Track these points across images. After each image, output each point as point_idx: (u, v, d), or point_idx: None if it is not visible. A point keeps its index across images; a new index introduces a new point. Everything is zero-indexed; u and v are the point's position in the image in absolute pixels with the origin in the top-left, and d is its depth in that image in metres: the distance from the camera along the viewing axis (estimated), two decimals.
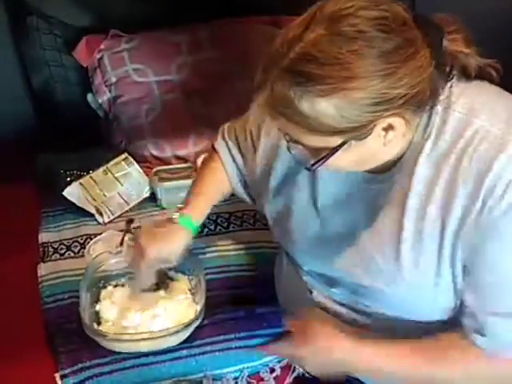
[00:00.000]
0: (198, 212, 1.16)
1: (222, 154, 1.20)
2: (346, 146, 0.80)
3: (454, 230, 0.83)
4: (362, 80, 0.73)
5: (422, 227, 0.86)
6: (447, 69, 0.83)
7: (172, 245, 1.13)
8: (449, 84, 0.83)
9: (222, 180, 1.20)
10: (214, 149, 1.23)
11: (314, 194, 0.99)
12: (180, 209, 1.16)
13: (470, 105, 0.83)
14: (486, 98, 0.85)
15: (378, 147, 0.82)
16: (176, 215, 1.14)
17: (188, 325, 1.11)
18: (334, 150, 0.80)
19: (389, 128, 0.79)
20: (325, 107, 0.75)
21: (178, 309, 1.18)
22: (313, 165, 0.83)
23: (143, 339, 1.10)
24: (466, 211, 0.81)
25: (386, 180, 0.89)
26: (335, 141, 0.79)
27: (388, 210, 0.90)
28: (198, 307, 1.15)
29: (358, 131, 0.77)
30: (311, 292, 1.09)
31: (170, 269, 1.22)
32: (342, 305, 1.03)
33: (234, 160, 1.19)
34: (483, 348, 0.87)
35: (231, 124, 1.22)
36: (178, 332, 1.11)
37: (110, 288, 1.23)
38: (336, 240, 0.97)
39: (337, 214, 0.98)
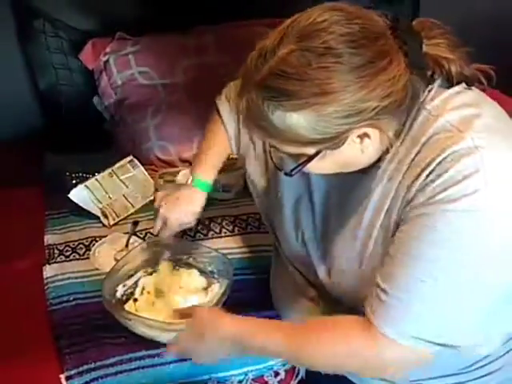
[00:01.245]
0: (207, 172, 1.21)
1: (222, 115, 1.23)
2: (321, 155, 0.81)
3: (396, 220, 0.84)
4: (332, 95, 0.74)
5: (375, 221, 0.87)
6: (428, 73, 0.83)
7: (191, 207, 1.19)
8: (428, 87, 0.84)
9: (223, 140, 1.23)
10: (216, 109, 1.25)
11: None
12: (190, 173, 1.22)
13: (440, 106, 0.83)
14: (459, 101, 0.83)
15: (356, 153, 0.83)
16: (188, 179, 1.21)
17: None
18: (309, 158, 0.82)
19: (364, 136, 0.80)
20: (296, 120, 0.76)
21: None
22: (291, 170, 0.85)
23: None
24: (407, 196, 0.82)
25: (367, 178, 0.89)
26: (310, 150, 0.81)
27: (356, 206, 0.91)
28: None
29: (331, 141, 0.79)
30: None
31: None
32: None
33: (234, 120, 1.21)
34: (369, 318, 0.84)
35: (236, 82, 1.22)
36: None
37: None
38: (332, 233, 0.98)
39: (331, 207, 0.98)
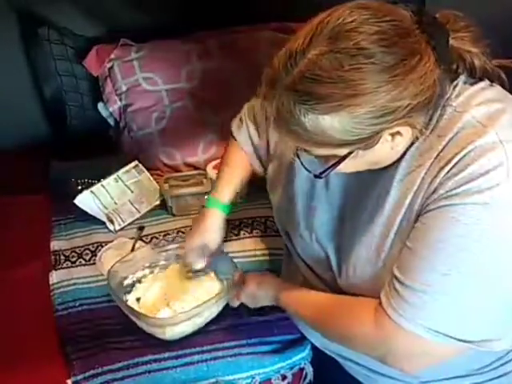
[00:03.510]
0: (224, 193, 1.24)
1: (238, 138, 1.25)
2: (353, 155, 0.81)
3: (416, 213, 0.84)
4: (365, 96, 0.73)
5: (395, 216, 0.87)
6: (453, 67, 0.83)
7: (204, 227, 1.23)
8: (453, 83, 0.84)
9: (241, 160, 1.26)
10: (231, 134, 1.28)
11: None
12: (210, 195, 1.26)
13: (465, 103, 0.83)
14: (483, 97, 0.83)
15: (386, 151, 0.83)
16: (206, 201, 1.25)
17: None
18: (342, 159, 0.81)
19: (396, 134, 0.80)
20: (329, 123, 0.76)
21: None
22: (321, 173, 0.84)
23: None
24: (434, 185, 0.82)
25: (387, 173, 0.89)
26: (342, 151, 0.80)
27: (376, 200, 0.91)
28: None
29: (364, 142, 0.78)
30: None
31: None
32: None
33: (250, 138, 1.23)
34: (382, 303, 0.85)
35: (251, 103, 1.26)
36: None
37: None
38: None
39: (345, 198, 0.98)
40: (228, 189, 1.24)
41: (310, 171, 0.88)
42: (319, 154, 0.82)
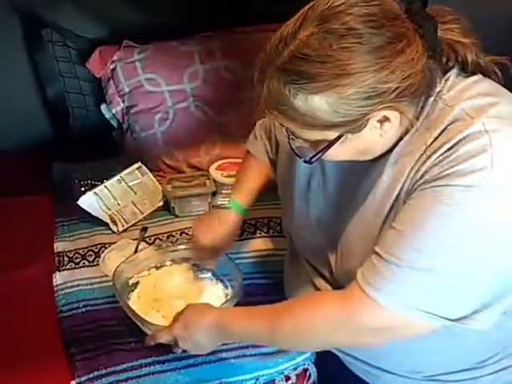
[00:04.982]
0: (242, 194, 1.23)
1: (254, 153, 1.25)
2: (342, 139, 0.82)
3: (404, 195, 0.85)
4: (353, 76, 0.75)
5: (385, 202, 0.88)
6: (444, 59, 0.83)
7: (220, 227, 1.20)
8: (445, 76, 0.84)
9: (257, 169, 1.25)
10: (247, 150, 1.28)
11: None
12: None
13: (456, 97, 0.83)
14: (475, 91, 0.84)
15: (375, 138, 0.84)
16: (226, 202, 1.23)
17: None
18: (331, 143, 0.82)
19: (384, 120, 0.81)
20: (318, 103, 0.77)
21: None
22: (311, 158, 0.85)
23: None
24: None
25: (377, 166, 0.90)
26: (331, 134, 0.81)
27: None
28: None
29: (353, 125, 0.79)
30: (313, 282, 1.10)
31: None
32: None
33: (265, 147, 1.24)
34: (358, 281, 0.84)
35: (260, 122, 1.27)
36: None
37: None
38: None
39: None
40: (251, 194, 1.24)
41: (300, 157, 0.89)
42: (309, 137, 0.84)
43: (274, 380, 1.14)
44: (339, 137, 0.82)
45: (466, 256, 0.80)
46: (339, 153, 0.85)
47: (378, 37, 0.75)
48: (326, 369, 1.17)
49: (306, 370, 1.17)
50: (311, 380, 1.18)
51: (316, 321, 0.89)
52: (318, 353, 1.17)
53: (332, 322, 0.87)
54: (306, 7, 0.80)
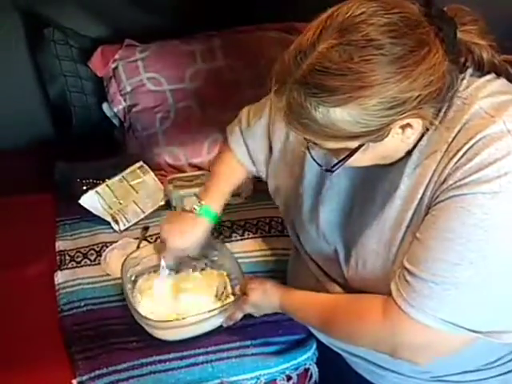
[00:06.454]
0: (217, 203, 1.22)
1: (231, 143, 1.24)
2: (363, 148, 0.81)
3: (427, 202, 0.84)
4: (375, 88, 0.74)
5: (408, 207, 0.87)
6: (461, 60, 0.83)
7: (192, 235, 1.20)
8: (461, 76, 0.84)
9: (233, 166, 1.24)
10: (226, 137, 1.27)
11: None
12: (198, 201, 1.22)
13: (473, 94, 0.83)
14: (491, 89, 0.84)
15: (396, 144, 0.83)
16: (196, 206, 1.21)
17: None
18: (353, 151, 0.81)
19: (406, 126, 0.80)
20: (340, 115, 0.76)
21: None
22: (332, 167, 0.85)
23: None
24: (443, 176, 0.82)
25: (396, 168, 0.89)
26: (353, 144, 0.80)
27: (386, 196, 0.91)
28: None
29: (375, 134, 0.78)
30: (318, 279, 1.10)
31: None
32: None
33: (245, 145, 1.22)
34: (393, 294, 0.85)
35: (251, 107, 1.25)
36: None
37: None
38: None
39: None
40: (221, 199, 1.23)
41: (321, 166, 0.88)
42: (330, 147, 0.83)
43: (275, 379, 1.14)
44: (361, 145, 0.80)
45: (503, 264, 0.79)
46: (360, 160, 0.84)
47: (400, 46, 0.74)
48: (329, 368, 1.17)
49: (307, 370, 1.17)
50: (313, 380, 1.18)
51: (363, 333, 0.92)
52: (320, 352, 1.17)
53: (378, 339, 0.89)
54: (325, 15, 0.78)
